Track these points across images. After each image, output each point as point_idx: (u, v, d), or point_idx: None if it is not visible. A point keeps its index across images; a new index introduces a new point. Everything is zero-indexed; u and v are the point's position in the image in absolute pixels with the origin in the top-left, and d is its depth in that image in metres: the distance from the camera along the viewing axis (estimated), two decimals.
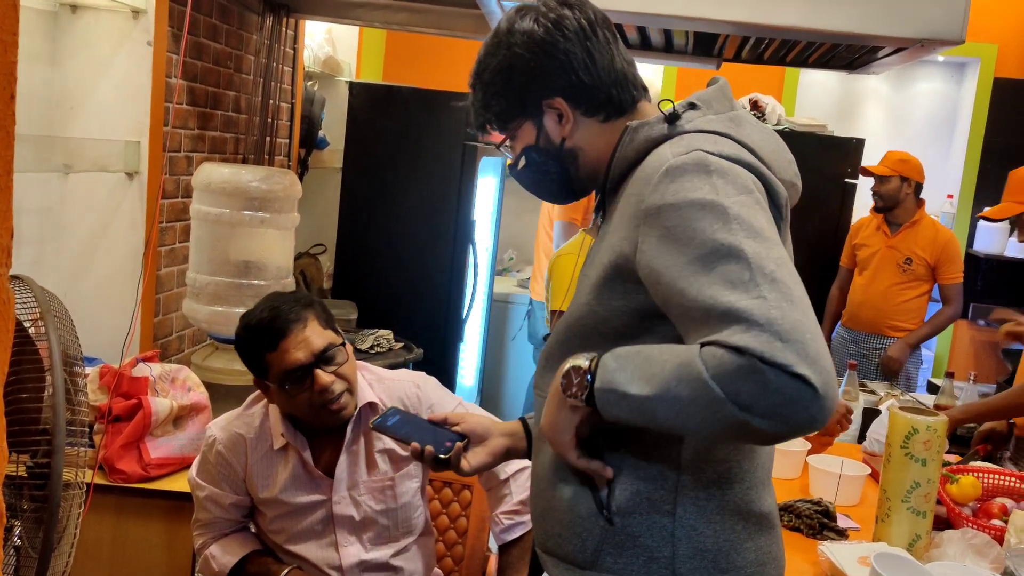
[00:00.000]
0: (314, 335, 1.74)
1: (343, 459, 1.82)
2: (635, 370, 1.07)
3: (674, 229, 1.07)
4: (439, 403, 1.89)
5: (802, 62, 3.03)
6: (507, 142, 1.33)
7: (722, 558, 1.19)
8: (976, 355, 3.73)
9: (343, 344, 1.79)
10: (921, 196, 3.93)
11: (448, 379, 3.71)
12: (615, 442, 1.20)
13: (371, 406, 1.84)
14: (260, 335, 1.73)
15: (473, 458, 1.40)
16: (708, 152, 1.12)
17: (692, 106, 1.23)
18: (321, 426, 1.80)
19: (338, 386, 1.75)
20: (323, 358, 1.74)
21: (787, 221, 1.20)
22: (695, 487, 1.19)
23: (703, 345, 1.01)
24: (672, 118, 1.21)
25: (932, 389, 3.96)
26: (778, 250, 1.05)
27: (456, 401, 1.92)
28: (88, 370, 2.14)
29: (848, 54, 2.83)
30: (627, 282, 1.15)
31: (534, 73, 1.25)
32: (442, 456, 1.37)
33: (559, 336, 1.27)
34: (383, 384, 1.88)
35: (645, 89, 1.31)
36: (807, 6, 2.23)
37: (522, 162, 1.31)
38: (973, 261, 5.17)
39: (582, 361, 1.12)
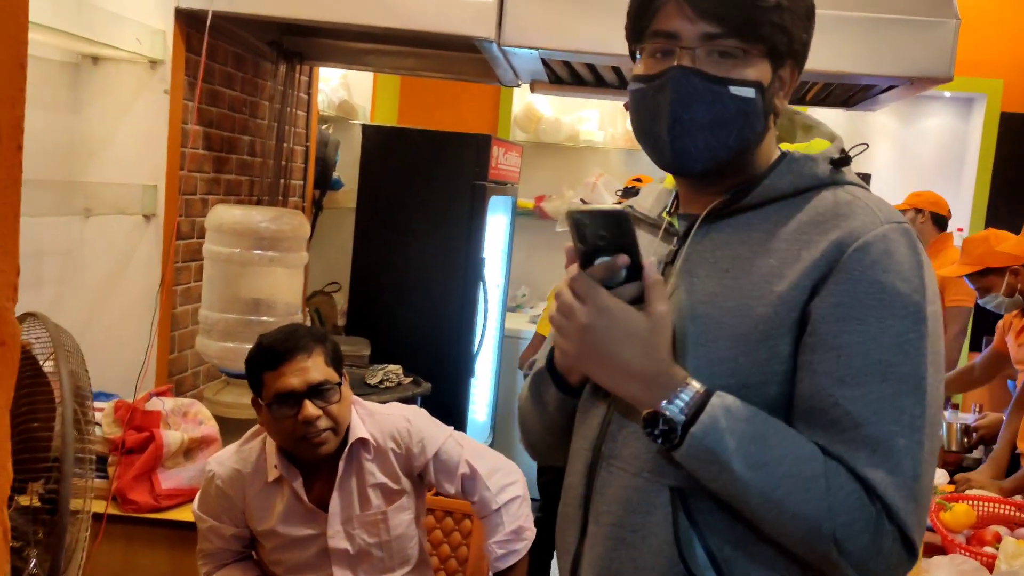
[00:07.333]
0: (315, 368, 1.79)
1: (336, 495, 1.87)
2: (748, 445, 0.94)
3: (869, 310, 0.96)
4: (430, 436, 1.93)
5: (799, 100, 3.10)
6: (730, 52, 1.04)
7: None
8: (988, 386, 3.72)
9: (339, 385, 1.83)
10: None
11: (460, 413, 3.77)
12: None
13: (362, 442, 1.88)
14: (266, 353, 1.80)
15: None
16: (908, 228, 1.03)
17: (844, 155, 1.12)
18: (300, 456, 1.85)
19: (323, 423, 1.79)
20: (316, 391, 1.78)
21: None
22: None
23: (834, 456, 0.93)
24: (839, 163, 1.09)
25: None
26: (940, 375, 1.00)
27: (447, 432, 1.96)
28: (104, 404, 2.22)
29: (842, 92, 2.89)
30: (784, 336, 1.00)
31: (811, 33, 1.11)
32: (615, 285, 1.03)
33: None
34: (374, 419, 1.93)
35: None
36: None
37: (740, 92, 1.03)
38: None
39: (682, 399, 0.96)
